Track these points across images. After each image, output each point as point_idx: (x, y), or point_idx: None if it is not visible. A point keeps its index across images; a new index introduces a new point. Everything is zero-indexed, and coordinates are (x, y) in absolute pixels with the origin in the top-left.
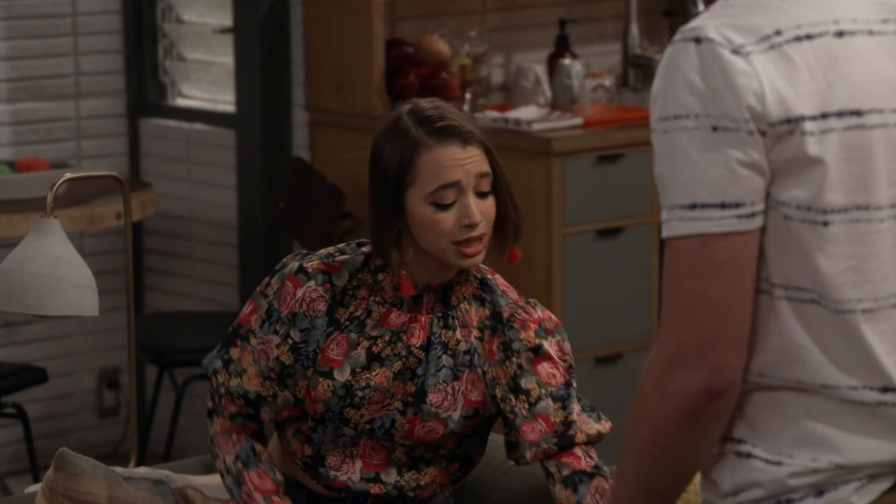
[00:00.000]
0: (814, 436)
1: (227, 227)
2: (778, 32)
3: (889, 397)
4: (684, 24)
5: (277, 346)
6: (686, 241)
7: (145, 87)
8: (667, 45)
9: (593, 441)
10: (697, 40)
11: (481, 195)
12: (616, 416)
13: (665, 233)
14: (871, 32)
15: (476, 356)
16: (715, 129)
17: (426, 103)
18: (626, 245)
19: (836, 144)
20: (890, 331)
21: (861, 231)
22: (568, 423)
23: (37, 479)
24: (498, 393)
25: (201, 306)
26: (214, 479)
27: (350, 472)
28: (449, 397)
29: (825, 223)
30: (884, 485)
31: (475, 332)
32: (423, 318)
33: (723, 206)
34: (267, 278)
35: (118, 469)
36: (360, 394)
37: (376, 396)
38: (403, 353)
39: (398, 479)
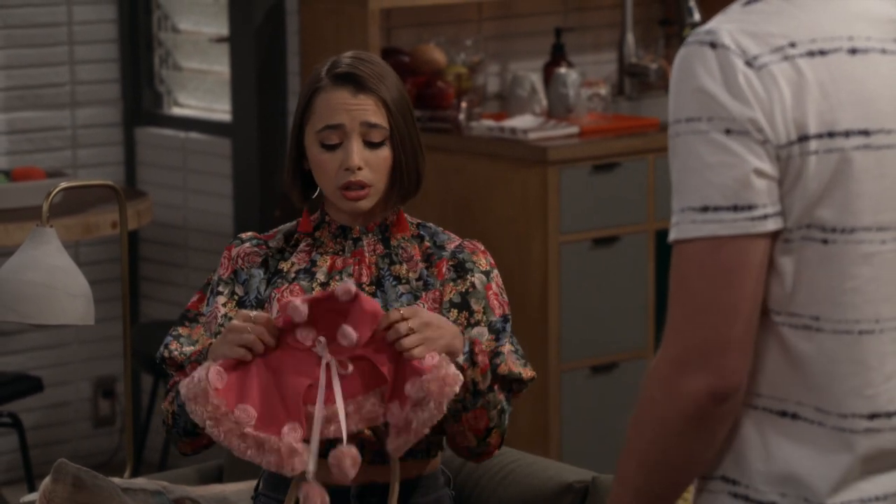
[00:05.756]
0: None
1: (223, 235)
2: (792, 45)
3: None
4: (680, 33)
5: (224, 305)
6: (697, 243)
7: (141, 96)
8: (662, 53)
9: (513, 378)
10: (713, 45)
11: (371, 145)
12: (611, 424)
13: (675, 235)
14: (884, 51)
15: (430, 278)
16: (728, 132)
17: (351, 52)
18: (622, 254)
19: (840, 164)
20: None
21: (861, 252)
22: (496, 353)
23: (32, 489)
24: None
25: None
26: (211, 490)
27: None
28: None
29: (824, 241)
30: None
31: (422, 263)
32: (367, 259)
33: (735, 208)
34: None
35: (116, 480)
36: None
37: None
38: None
39: None
